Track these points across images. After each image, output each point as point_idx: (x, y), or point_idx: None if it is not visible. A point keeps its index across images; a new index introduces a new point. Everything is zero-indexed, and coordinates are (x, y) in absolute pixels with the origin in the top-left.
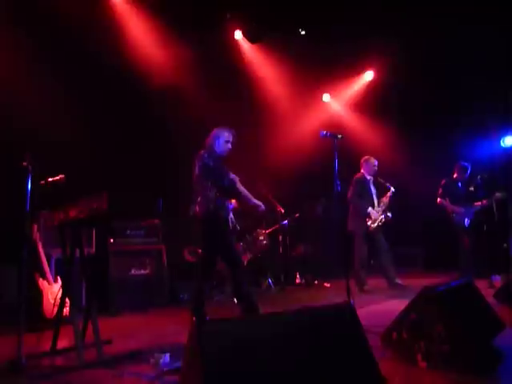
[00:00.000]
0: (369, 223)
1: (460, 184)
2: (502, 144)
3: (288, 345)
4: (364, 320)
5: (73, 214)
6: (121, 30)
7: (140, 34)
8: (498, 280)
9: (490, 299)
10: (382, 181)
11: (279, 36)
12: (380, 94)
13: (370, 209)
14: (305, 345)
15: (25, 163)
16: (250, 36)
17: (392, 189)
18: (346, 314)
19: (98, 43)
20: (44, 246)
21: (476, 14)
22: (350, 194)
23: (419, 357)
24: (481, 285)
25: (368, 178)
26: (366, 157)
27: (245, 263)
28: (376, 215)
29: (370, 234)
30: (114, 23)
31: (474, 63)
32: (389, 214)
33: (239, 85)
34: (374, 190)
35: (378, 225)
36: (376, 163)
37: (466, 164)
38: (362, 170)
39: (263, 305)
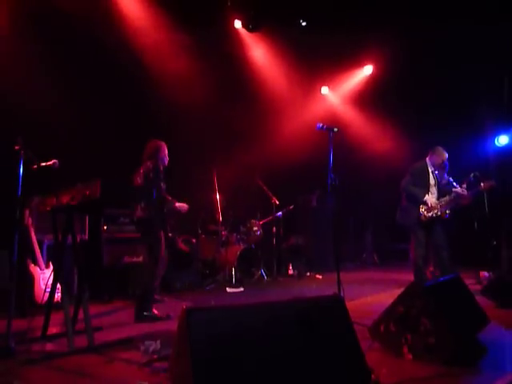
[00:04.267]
0: (422, 210)
1: None
2: (496, 143)
3: (276, 335)
4: (353, 312)
5: (65, 199)
6: (119, 16)
7: (138, 20)
8: (485, 276)
9: (478, 295)
10: (450, 179)
11: (279, 26)
12: (378, 88)
13: (426, 196)
14: (293, 335)
15: (17, 147)
16: (249, 25)
17: (457, 191)
18: (335, 306)
19: (93, 25)
20: (36, 232)
21: (476, 10)
22: (403, 183)
23: (405, 349)
24: (469, 281)
25: (431, 168)
26: (438, 147)
27: (238, 253)
28: (434, 203)
29: (425, 225)
30: (111, 7)
31: (473, 63)
32: (447, 211)
33: (237, 74)
34: (434, 181)
35: (432, 216)
36: (446, 157)
37: None
38: (426, 159)
39: (254, 295)
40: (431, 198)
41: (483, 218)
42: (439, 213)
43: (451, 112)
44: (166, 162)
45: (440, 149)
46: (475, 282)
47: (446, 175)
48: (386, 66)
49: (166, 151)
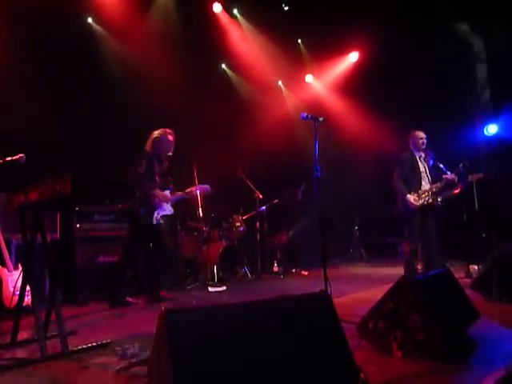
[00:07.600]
0: (411, 198)
1: None
2: (485, 132)
3: (261, 335)
4: (340, 310)
5: (34, 196)
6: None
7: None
8: (475, 269)
9: (468, 289)
10: (441, 166)
11: (261, 10)
12: (365, 76)
13: (408, 195)
14: (278, 335)
15: None
16: (229, 8)
17: (447, 177)
18: (321, 304)
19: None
20: (3, 231)
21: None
22: (394, 177)
23: (394, 346)
24: (458, 274)
25: (417, 154)
26: (413, 130)
27: (220, 250)
28: (425, 189)
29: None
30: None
31: (463, 52)
32: (439, 199)
33: (216, 63)
34: (423, 168)
35: (423, 203)
36: (423, 136)
37: None
38: (411, 147)
39: (238, 294)
40: (425, 185)
41: (472, 210)
42: (430, 200)
43: (440, 101)
44: (170, 152)
45: (415, 131)
46: (465, 275)
47: (431, 162)
48: (373, 52)
49: (169, 140)
